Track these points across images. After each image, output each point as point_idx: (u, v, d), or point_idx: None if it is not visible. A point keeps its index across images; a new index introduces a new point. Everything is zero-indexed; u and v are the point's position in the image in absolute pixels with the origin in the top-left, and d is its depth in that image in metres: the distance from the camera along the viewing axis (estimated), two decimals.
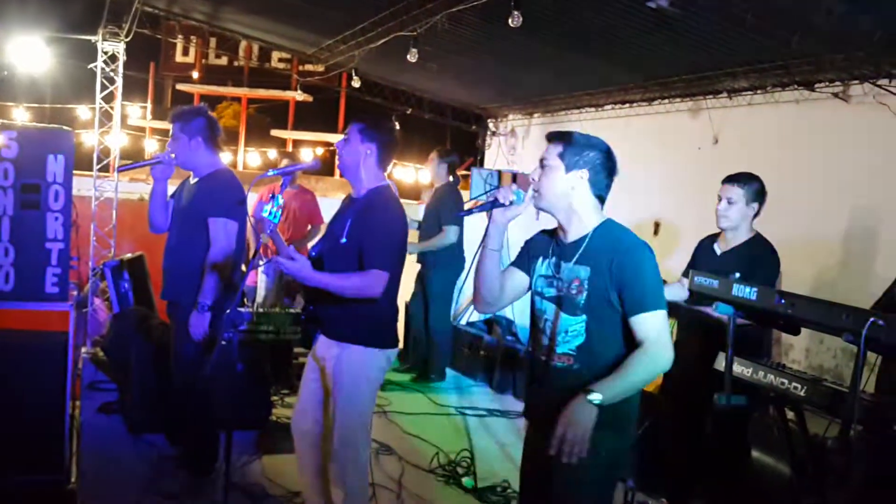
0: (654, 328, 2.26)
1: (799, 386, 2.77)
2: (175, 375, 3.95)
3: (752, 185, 3.68)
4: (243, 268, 4.01)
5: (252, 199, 7.28)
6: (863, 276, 4.36)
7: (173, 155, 3.80)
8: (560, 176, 2.38)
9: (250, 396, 4.74)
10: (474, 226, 7.71)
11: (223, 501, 3.37)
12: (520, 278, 2.57)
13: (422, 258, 6.46)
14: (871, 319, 2.40)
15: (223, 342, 3.15)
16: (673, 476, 4.06)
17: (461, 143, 9.02)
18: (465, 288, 7.67)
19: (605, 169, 2.41)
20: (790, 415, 3.13)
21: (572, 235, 2.42)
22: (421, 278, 6.52)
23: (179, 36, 11.27)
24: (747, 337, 3.34)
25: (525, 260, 2.58)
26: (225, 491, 3.41)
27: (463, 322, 7.40)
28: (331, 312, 3.17)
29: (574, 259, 2.38)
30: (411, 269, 6.52)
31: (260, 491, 3.99)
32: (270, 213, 3.01)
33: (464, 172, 8.92)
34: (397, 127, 3.35)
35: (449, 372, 6.60)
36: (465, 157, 9.12)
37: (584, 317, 2.35)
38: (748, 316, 3.03)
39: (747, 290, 2.83)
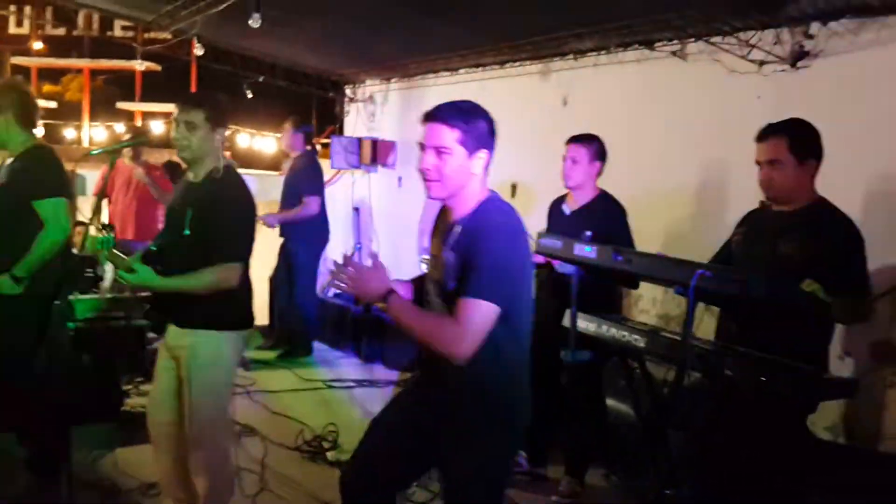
0: (468, 314, 2.10)
1: (639, 337, 2.86)
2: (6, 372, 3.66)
3: (593, 144, 3.81)
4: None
5: (93, 176, 6.87)
6: (714, 227, 4.52)
7: None
8: (464, 162, 2.20)
9: (99, 386, 4.50)
10: (338, 196, 7.61)
11: (69, 501, 3.20)
12: None
13: (284, 232, 6.29)
14: (699, 272, 2.49)
15: None
16: (531, 429, 4.15)
17: (325, 110, 8.80)
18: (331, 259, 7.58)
19: (494, 138, 2.28)
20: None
21: (456, 215, 2.30)
22: (284, 252, 6.36)
23: (12, 7, 10.44)
24: (595, 292, 3.44)
25: None
26: (69, 489, 3.24)
27: (331, 294, 7.29)
28: (178, 300, 3.03)
29: (449, 244, 2.27)
30: (274, 242, 6.35)
31: (111, 485, 3.80)
32: (101, 244, 2.89)
33: (325, 141, 8.74)
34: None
35: (316, 345, 6.51)
36: (326, 125, 8.93)
37: (448, 306, 2.24)
38: (590, 273, 3.11)
39: (587, 248, 2.89)
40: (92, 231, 2.90)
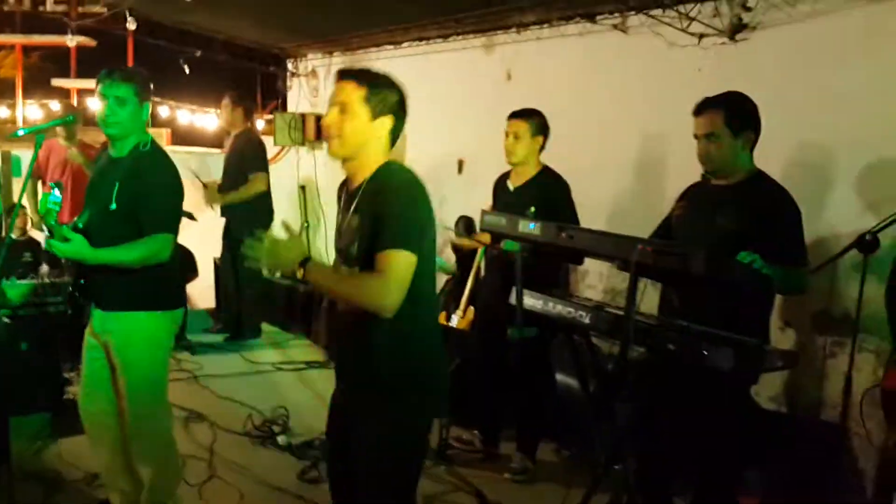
0: (389, 265, 2.08)
1: (584, 314, 2.85)
2: None
3: (534, 119, 3.80)
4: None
5: (25, 157, 6.62)
6: (656, 201, 4.58)
7: None
8: (366, 123, 2.19)
9: (38, 376, 4.36)
10: (282, 174, 7.47)
11: (9, 493, 3.13)
12: None
13: (226, 212, 6.16)
14: (639, 246, 2.49)
15: None
16: (483, 407, 4.19)
17: (269, 85, 8.59)
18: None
19: (404, 113, 2.27)
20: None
21: (356, 183, 2.28)
22: (227, 233, 6.23)
23: None
24: (541, 268, 3.45)
25: None
26: (9, 480, 3.16)
27: (278, 274, 7.19)
28: (104, 283, 2.95)
29: (352, 209, 2.25)
30: (218, 223, 6.22)
31: (54, 476, 3.71)
32: (53, 203, 2.79)
33: (269, 117, 8.55)
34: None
35: (266, 327, 6.42)
36: (270, 100, 8.74)
37: (357, 268, 2.22)
38: (535, 250, 3.10)
39: (531, 225, 2.86)
40: (41, 189, 2.79)
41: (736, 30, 4.01)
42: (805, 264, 2.85)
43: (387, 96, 2.21)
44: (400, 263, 2.08)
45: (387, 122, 2.22)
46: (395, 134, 2.27)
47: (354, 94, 2.18)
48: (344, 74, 2.24)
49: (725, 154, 2.86)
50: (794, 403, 3.73)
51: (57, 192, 2.80)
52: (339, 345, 2.41)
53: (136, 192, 2.87)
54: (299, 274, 2.10)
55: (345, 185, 2.38)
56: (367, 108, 2.18)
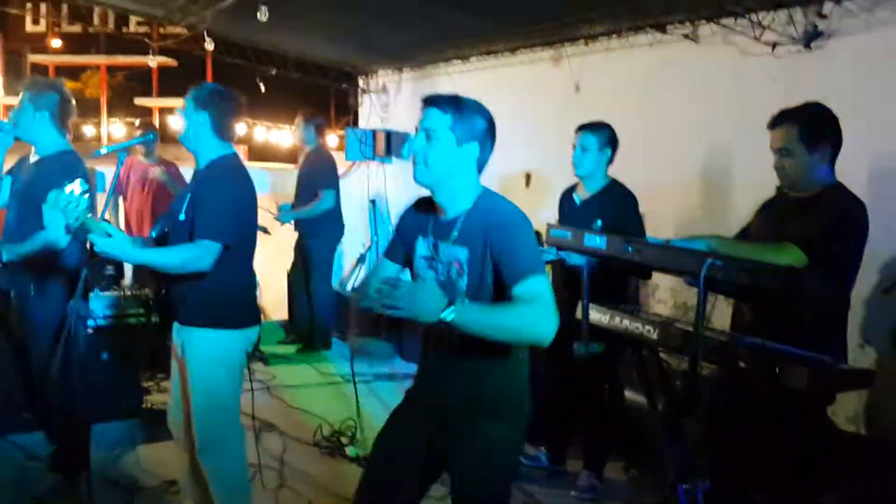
0: (539, 291, 2.06)
1: (652, 329, 2.80)
2: (34, 370, 3.72)
3: (603, 132, 3.76)
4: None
5: (108, 173, 6.91)
6: (722, 212, 4.49)
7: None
8: (451, 150, 2.18)
9: (119, 385, 4.53)
10: (353, 189, 7.60)
11: (89, 498, 3.24)
12: (392, 271, 2.40)
13: (300, 226, 6.30)
14: (709, 261, 2.44)
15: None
16: (549, 423, 4.14)
17: (343, 102, 8.79)
18: (347, 252, 7.58)
19: (491, 140, 2.26)
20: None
21: (451, 212, 2.26)
22: (300, 246, 6.37)
23: (28, 4, 10.55)
24: (608, 282, 3.41)
25: (398, 246, 2.42)
26: (88, 486, 3.27)
27: (349, 287, 7.29)
28: (178, 295, 2.99)
29: (451, 238, 2.23)
30: (291, 237, 6.37)
31: (132, 483, 3.83)
32: (72, 204, 2.73)
33: (341, 132, 8.73)
34: (234, 92, 3.11)
35: (336, 340, 6.51)
36: (344, 116, 8.93)
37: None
38: (601, 264, 3.07)
39: (597, 239, 2.84)
40: (121, 204, 2.88)
41: (811, 38, 3.90)
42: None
43: (473, 122, 2.20)
44: (546, 288, 2.08)
45: (473, 149, 2.21)
46: (483, 161, 2.25)
47: (440, 120, 2.18)
48: (429, 101, 2.22)
49: (800, 169, 2.78)
50: (874, 424, 3.57)
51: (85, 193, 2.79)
52: (443, 371, 2.36)
53: (198, 202, 2.90)
54: (448, 317, 1.97)
55: (424, 209, 2.36)
56: (452, 135, 2.18)
